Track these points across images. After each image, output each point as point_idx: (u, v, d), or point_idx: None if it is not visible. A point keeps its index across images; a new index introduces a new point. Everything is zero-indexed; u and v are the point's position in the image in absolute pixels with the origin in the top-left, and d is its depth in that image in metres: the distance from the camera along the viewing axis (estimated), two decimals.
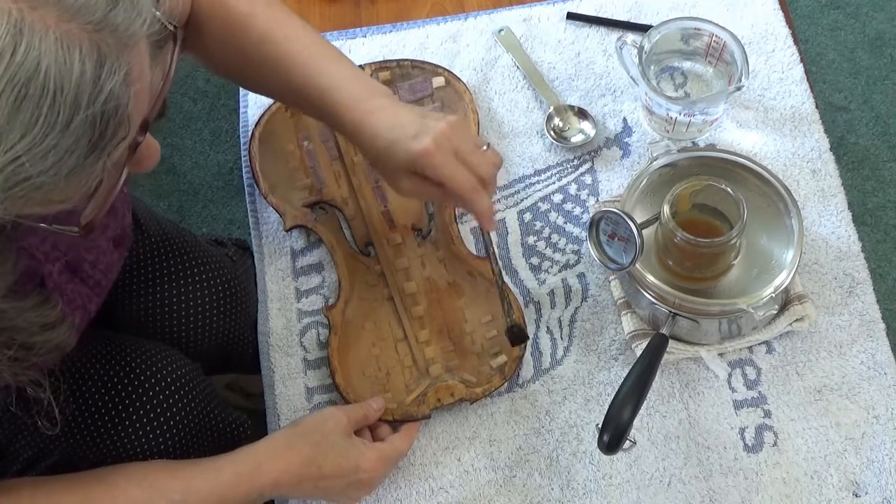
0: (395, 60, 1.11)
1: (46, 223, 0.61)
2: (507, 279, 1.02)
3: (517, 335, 0.95)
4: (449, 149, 0.85)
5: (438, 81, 1.10)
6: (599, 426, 0.83)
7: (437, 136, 0.85)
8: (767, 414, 0.95)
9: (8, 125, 0.52)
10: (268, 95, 1.00)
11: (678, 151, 0.97)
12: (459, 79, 1.10)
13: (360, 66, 1.10)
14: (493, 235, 1.04)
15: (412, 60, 1.11)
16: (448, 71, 1.10)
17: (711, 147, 1.05)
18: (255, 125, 1.09)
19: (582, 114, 1.09)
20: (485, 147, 0.90)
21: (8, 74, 0.51)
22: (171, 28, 0.62)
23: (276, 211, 1.05)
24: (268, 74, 0.90)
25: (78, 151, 0.55)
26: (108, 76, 0.55)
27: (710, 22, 1.00)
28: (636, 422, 0.83)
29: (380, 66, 1.11)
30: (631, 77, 1.06)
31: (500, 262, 0.98)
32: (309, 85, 0.89)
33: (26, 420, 0.70)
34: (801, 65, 1.10)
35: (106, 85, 0.55)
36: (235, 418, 1.10)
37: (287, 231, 1.05)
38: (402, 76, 1.11)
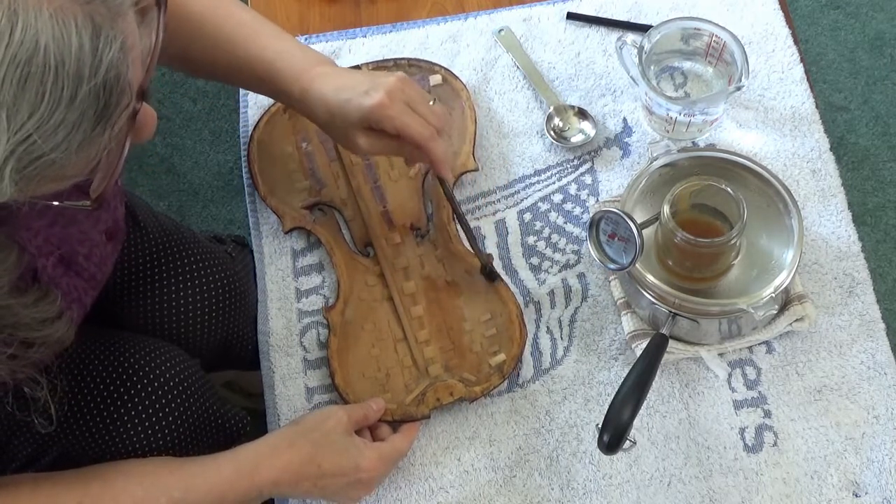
0: (393, 59, 1.11)
1: (59, 200, 0.62)
2: (506, 279, 1.02)
3: (491, 272, 1.00)
4: (402, 100, 0.89)
5: (436, 80, 1.10)
6: (599, 426, 0.83)
7: (389, 89, 0.88)
8: (767, 414, 0.95)
9: (15, 105, 0.53)
10: (211, 78, 0.99)
11: (678, 151, 0.97)
12: (457, 77, 1.10)
13: (359, 66, 1.11)
14: (493, 234, 1.04)
15: (409, 59, 1.11)
16: (445, 69, 1.11)
17: (711, 147, 1.05)
18: (254, 128, 1.09)
19: (582, 114, 1.09)
20: (431, 102, 0.93)
21: (9, 55, 0.52)
22: None
23: (275, 213, 1.05)
24: (210, 55, 0.91)
25: (85, 124, 0.56)
26: (105, 46, 0.55)
27: (710, 22, 1.00)
28: (636, 422, 0.83)
29: (377, 66, 1.11)
30: (631, 77, 1.06)
31: (462, 211, 1.03)
32: (253, 60, 0.91)
33: (23, 418, 0.70)
34: (801, 65, 1.10)
35: (105, 55, 0.55)
36: (234, 414, 1.10)
37: (286, 233, 1.05)
38: None
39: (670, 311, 0.91)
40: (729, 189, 0.89)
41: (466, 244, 1.03)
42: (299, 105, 0.92)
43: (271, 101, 1.09)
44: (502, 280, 1.01)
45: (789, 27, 1.12)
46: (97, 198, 0.63)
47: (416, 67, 1.11)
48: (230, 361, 1.21)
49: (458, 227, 1.02)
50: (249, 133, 1.09)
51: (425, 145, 0.90)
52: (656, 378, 0.88)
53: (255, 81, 0.93)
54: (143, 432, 0.96)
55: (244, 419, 1.11)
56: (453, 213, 1.02)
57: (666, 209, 0.88)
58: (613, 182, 1.06)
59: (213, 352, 1.15)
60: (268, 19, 0.95)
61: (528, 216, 1.05)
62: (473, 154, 1.06)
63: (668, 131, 1.06)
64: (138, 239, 1.08)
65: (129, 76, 0.58)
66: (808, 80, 1.09)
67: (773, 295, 0.89)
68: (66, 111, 0.54)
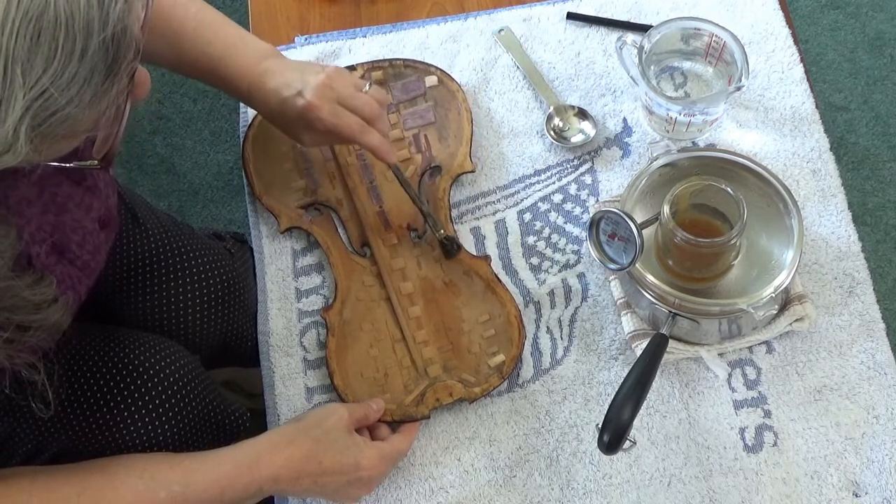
0: (388, 60, 1.11)
1: (68, 162, 0.64)
2: (506, 279, 1.02)
3: (451, 245, 1.01)
4: (331, 98, 0.92)
5: (431, 80, 1.10)
6: (599, 426, 0.83)
7: (317, 89, 0.91)
8: (767, 414, 0.95)
9: (29, 61, 0.55)
10: (164, 68, 1.00)
11: (678, 151, 0.97)
12: (452, 77, 1.10)
13: (354, 66, 1.10)
14: (493, 234, 1.04)
15: (404, 60, 1.11)
16: (440, 70, 1.10)
17: (711, 147, 1.05)
18: (249, 127, 1.09)
19: (582, 114, 1.08)
20: (366, 88, 0.96)
21: (21, 11, 0.54)
22: None
23: (271, 213, 1.05)
24: (159, 49, 0.92)
25: (96, 77, 0.58)
26: (111, 0, 0.58)
27: (710, 22, 1.00)
28: (636, 422, 0.83)
29: (372, 66, 1.11)
30: (631, 77, 1.06)
31: (424, 199, 1.04)
32: (201, 56, 0.93)
33: (21, 402, 0.71)
34: (801, 65, 1.09)
35: (111, 9, 0.58)
36: (234, 410, 1.10)
37: (282, 233, 1.05)
38: (394, 76, 1.11)
39: (670, 311, 0.91)
40: (729, 189, 0.89)
41: (466, 246, 1.03)
42: (248, 102, 0.96)
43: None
44: (465, 251, 1.01)
45: (789, 27, 1.12)
46: (104, 157, 0.65)
47: (411, 68, 1.11)
48: (230, 358, 1.22)
49: (419, 207, 1.04)
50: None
51: (358, 140, 0.94)
52: (656, 378, 0.88)
53: (204, 76, 0.95)
54: (143, 428, 0.96)
55: (244, 415, 1.12)
56: (401, 184, 1.03)
57: (666, 209, 0.88)
58: (613, 182, 1.06)
59: (213, 348, 1.15)
60: (213, 8, 0.95)
61: (528, 216, 1.05)
62: (470, 155, 1.06)
63: (668, 131, 1.06)
64: (137, 236, 1.08)
65: (136, 31, 0.60)
66: (808, 80, 1.09)
67: (773, 295, 0.89)
68: (79, 65, 0.57)
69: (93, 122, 0.61)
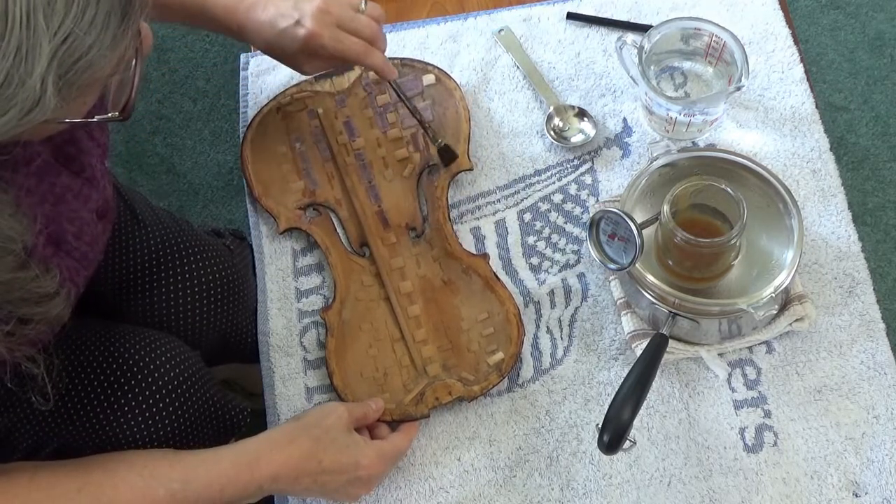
0: None
1: (90, 117, 0.66)
2: (506, 279, 1.02)
3: (449, 153, 1.04)
4: (331, 24, 0.93)
5: (429, 79, 1.10)
6: (599, 426, 0.83)
7: (315, 16, 0.92)
8: (767, 414, 0.95)
9: (49, 5, 0.56)
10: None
11: (678, 151, 0.97)
12: (450, 76, 1.10)
13: (354, 65, 1.11)
14: (493, 234, 1.04)
15: (402, 59, 1.11)
16: (438, 68, 1.10)
17: (711, 147, 1.05)
18: (247, 128, 1.09)
19: (582, 114, 1.09)
20: (361, 6, 0.97)
21: None
22: None
23: (270, 214, 1.05)
24: None
25: (114, 21, 0.60)
26: None
27: (710, 22, 1.00)
28: (636, 422, 0.83)
29: None
30: (631, 77, 1.06)
31: (413, 105, 1.06)
32: None
33: (21, 395, 0.71)
34: (801, 65, 1.10)
35: None
36: (235, 405, 1.10)
37: (281, 234, 1.05)
38: None
39: (670, 311, 0.91)
40: (729, 189, 0.89)
41: (464, 244, 1.03)
42: (239, 38, 0.96)
43: (266, 100, 1.09)
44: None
45: (789, 27, 1.12)
46: (123, 108, 0.67)
47: (409, 67, 1.11)
48: (230, 354, 1.22)
49: (423, 130, 1.05)
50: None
51: (363, 61, 0.96)
52: (656, 378, 0.88)
53: (191, 19, 0.96)
54: (144, 422, 0.96)
55: (244, 410, 1.12)
56: (401, 100, 1.04)
57: (666, 209, 0.88)
58: (613, 182, 1.06)
59: (213, 344, 1.15)
60: None
61: (528, 216, 1.05)
62: (468, 153, 1.06)
63: (668, 131, 1.06)
64: (137, 233, 1.08)
65: None
66: (808, 80, 1.09)
67: (773, 295, 0.89)
68: (97, 6, 0.58)
69: (113, 67, 0.62)
